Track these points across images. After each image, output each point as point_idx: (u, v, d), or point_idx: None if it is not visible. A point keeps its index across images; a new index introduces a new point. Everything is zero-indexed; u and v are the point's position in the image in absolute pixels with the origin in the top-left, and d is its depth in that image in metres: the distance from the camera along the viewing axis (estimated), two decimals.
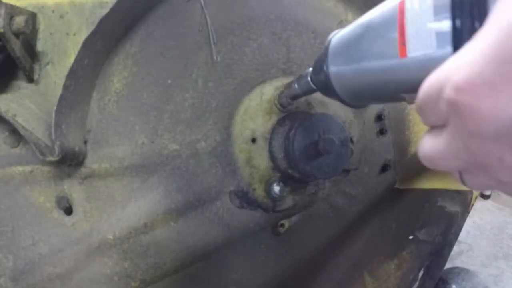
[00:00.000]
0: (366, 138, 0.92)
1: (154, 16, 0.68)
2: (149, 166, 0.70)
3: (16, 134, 0.67)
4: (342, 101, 0.49)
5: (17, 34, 0.58)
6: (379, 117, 0.96)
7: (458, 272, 1.45)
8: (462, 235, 1.05)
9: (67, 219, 0.70)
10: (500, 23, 0.21)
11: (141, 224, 0.70)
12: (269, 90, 0.74)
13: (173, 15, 0.69)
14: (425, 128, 0.30)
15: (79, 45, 0.59)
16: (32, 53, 0.62)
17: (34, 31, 0.61)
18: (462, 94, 0.22)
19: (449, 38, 0.29)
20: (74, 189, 0.69)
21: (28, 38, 0.60)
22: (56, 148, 0.59)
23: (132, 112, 0.69)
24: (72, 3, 0.61)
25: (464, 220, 1.01)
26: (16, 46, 0.58)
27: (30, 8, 0.61)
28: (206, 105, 0.72)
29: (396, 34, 0.33)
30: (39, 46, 0.62)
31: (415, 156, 1.06)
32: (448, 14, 0.29)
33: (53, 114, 0.57)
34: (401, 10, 0.33)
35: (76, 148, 0.63)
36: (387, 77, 0.37)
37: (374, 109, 0.95)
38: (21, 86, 0.63)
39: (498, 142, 0.22)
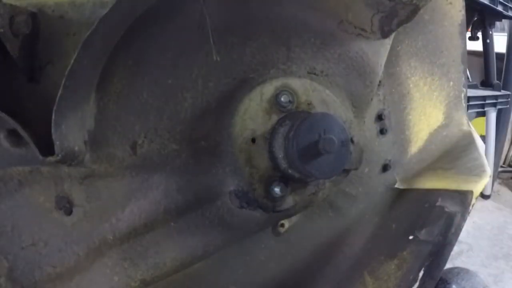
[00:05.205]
0: (366, 138, 0.92)
1: (154, 16, 0.68)
2: (149, 166, 0.70)
3: (16, 134, 0.67)
4: None
5: (17, 34, 0.58)
6: (379, 117, 0.96)
7: (458, 272, 1.45)
8: (462, 235, 1.05)
9: (67, 219, 0.70)
10: None
11: (141, 224, 0.70)
12: (269, 90, 0.74)
13: (173, 14, 0.69)
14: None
15: (79, 45, 0.59)
16: (32, 53, 0.62)
17: (34, 31, 0.61)
18: None
19: None
20: (74, 189, 0.69)
21: (28, 38, 0.60)
22: (56, 148, 0.59)
23: (132, 112, 0.69)
24: (72, 3, 0.61)
25: (464, 220, 1.01)
26: (16, 46, 0.58)
27: (30, 8, 0.61)
28: (206, 105, 0.72)
29: None
30: (39, 46, 0.62)
31: (415, 156, 1.06)
32: None
33: (53, 114, 0.57)
34: None
35: (76, 148, 0.63)
36: None
37: (374, 109, 0.95)
38: (21, 86, 0.63)
39: None
